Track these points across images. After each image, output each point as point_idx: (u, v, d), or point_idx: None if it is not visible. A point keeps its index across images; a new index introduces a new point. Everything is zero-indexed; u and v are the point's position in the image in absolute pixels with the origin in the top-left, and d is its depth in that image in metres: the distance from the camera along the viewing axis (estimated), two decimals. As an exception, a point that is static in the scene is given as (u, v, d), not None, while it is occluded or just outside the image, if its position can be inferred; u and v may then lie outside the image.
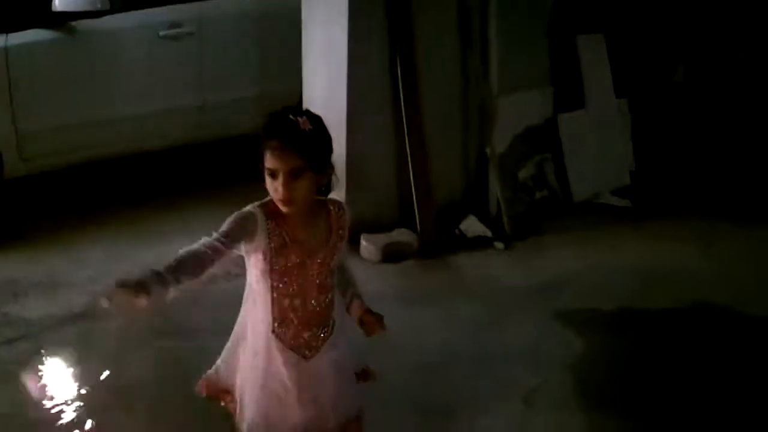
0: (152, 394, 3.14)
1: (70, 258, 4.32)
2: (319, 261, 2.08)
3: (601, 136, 5.33)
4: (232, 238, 1.98)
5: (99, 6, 4.57)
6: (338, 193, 4.24)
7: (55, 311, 3.80)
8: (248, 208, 2.06)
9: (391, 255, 4.37)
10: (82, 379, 3.25)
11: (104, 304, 1.79)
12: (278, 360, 2.09)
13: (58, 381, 3.25)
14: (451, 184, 4.83)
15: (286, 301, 2.07)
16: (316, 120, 2.04)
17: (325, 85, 4.52)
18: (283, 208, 2.00)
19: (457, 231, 4.67)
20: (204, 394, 2.27)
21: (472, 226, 4.67)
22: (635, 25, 5.55)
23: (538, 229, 4.78)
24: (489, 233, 4.64)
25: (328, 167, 2.06)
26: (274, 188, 1.98)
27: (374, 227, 4.48)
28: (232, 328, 2.25)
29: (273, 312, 2.07)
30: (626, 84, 5.50)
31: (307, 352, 2.10)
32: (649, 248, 4.50)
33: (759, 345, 3.51)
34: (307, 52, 4.62)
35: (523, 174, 5.13)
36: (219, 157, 5.39)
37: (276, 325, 2.08)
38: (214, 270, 1.95)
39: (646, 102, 5.60)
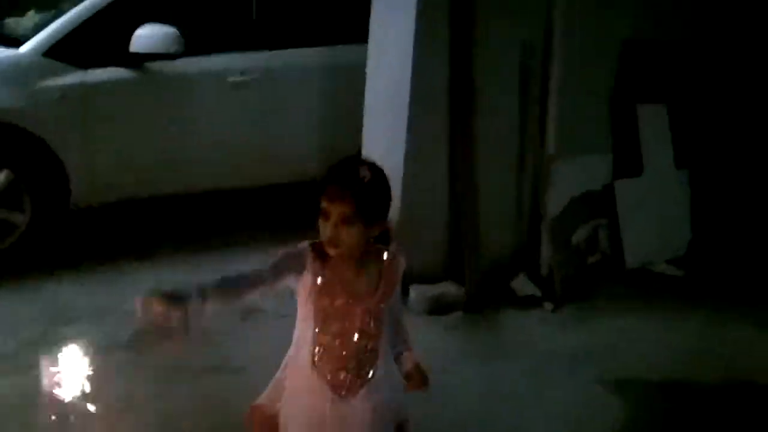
0: (195, 426, 3.18)
1: (122, 287, 4.44)
2: (364, 307, 2.11)
3: (659, 204, 5.29)
4: (278, 269, 2.05)
5: (173, 49, 4.78)
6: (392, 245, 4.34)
7: (105, 338, 3.92)
8: (301, 244, 2.12)
9: (436, 307, 4.38)
10: (124, 408, 3.33)
11: (137, 306, 1.83)
12: (315, 395, 2.11)
13: (98, 408, 3.34)
14: (503, 242, 4.83)
15: (327, 341, 2.10)
16: (378, 172, 2.09)
17: (384, 139, 4.60)
18: (329, 251, 2.05)
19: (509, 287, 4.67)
20: (249, 424, 2.28)
21: (522, 284, 4.66)
22: (699, 96, 5.53)
23: (588, 293, 4.74)
24: (539, 293, 4.62)
25: (382, 221, 2.09)
26: (324, 229, 2.04)
27: (422, 278, 4.50)
28: (277, 365, 2.29)
29: (314, 348, 2.10)
30: (689, 155, 5.46)
31: (343, 392, 2.11)
32: (701, 322, 4.41)
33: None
34: (370, 106, 4.72)
35: (576, 238, 5.10)
36: (280, 203, 5.51)
37: (315, 361, 2.10)
38: (254, 296, 2.02)
39: (708, 173, 5.54)
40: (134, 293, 4.39)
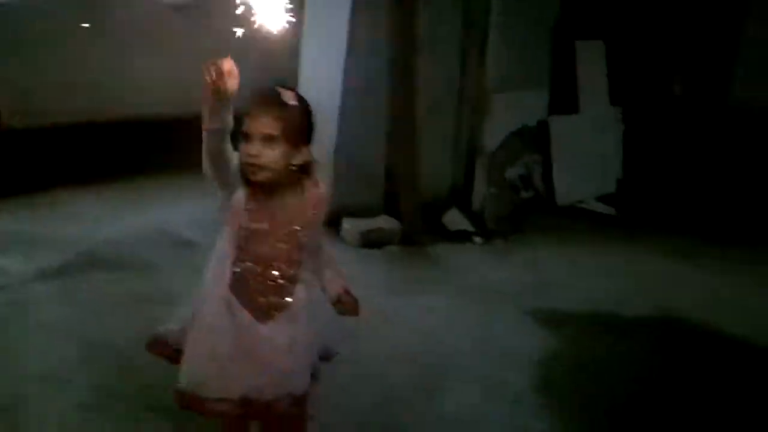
0: (122, 353, 3.18)
1: (56, 216, 4.36)
2: (287, 233, 2.12)
3: (592, 142, 5.38)
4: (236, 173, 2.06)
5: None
6: (326, 176, 4.34)
7: (36, 266, 3.86)
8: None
9: (372, 241, 4.42)
10: (52, 333, 3.30)
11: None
12: (232, 319, 2.11)
13: (28, 333, 3.30)
14: (438, 176, 4.88)
15: (249, 265, 2.10)
16: (303, 100, 2.10)
17: (322, 68, 4.55)
18: (250, 174, 2.04)
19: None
20: (152, 351, 2.25)
21: (454, 219, 4.72)
22: (636, 34, 5.59)
23: (520, 228, 4.84)
24: (471, 228, 4.69)
25: (304, 145, 2.10)
26: (247, 153, 2.03)
27: (359, 213, 4.53)
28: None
29: (234, 272, 2.10)
30: (622, 92, 5.55)
31: (261, 316, 2.12)
32: (628, 256, 4.56)
33: (730, 360, 3.55)
34: (308, 36, 4.64)
35: (511, 173, 5.17)
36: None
37: (235, 284, 2.11)
38: (223, 164, 2.03)
39: (641, 112, 5.65)
40: (66, 223, 4.39)
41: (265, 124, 2.02)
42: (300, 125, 2.08)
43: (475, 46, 4.77)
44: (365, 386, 3.10)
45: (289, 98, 2.06)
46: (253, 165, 2.03)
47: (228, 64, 1.92)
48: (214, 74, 1.91)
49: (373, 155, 4.63)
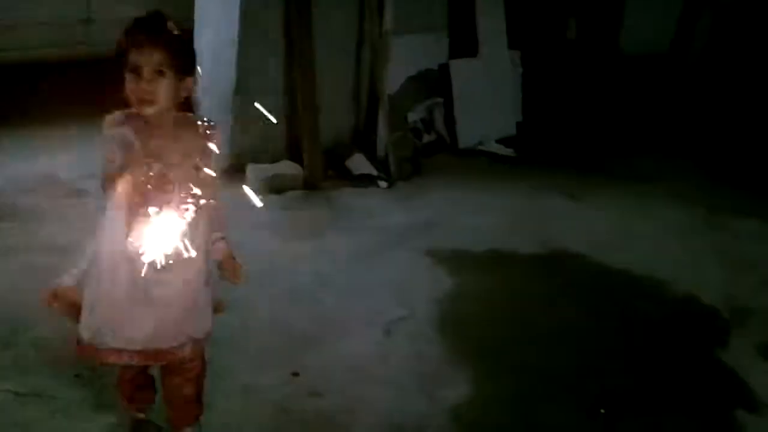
0: (11, 304, 3.10)
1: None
2: (180, 174, 2.07)
3: (492, 85, 5.46)
4: (117, 144, 2.01)
5: None
6: (226, 122, 4.28)
7: None
8: (115, 123, 2.04)
9: (275, 187, 4.40)
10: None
11: None
12: (128, 268, 2.08)
13: None
14: (340, 121, 4.88)
15: (142, 210, 2.06)
16: (184, 29, 2.08)
17: (218, 7, 4.44)
18: (144, 109, 1.99)
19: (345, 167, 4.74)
20: (48, 305, 2.22)
21: (358, 163, 4.74)
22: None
23: (422, 171, 4.90)
24: (374, 172, 4.72)
25: (191, 77, 2.06)
26: (136, 87, 1.97)
27: (261, 158, 4.49)
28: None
29: (129, 220, 2.06)
30: (521, 36, 5.63)
31: (157, 265, 2.10)
32: (524, 195, 4.69)
33: (605, 289, 3.74)
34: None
35: (412, 117, 5.22)
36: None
37: (131, 233, 2.07)
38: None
39: (538, 55, 5.75)
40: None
41: (153, 55, 1.96)
42: (186, 55, 2.04)
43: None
44: (265, 329, 3.12)
45: (173, 27, 2.00)
46: (143, 100, 1.98)
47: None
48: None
49: (275, 101, 4.57)
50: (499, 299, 3.56)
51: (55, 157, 4.44)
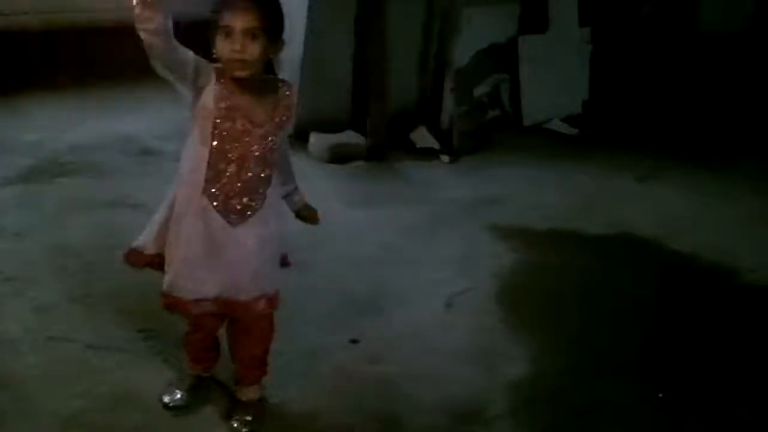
0: (86, 258, 3.18)
1: (17, 122, 4.28)
2: (261, 133, 2.11)
3: (560, 62, 5.37)
4: (196, 63, 2.04)
5: None
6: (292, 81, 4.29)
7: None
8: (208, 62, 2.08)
9: (338, 156, 4.41)
10: (14, 237, 3.29)
11: None
12: (205, 222, 2.13)
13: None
14: (406, 93, 4.85)
15: (222, 165, 2.09)
16: None
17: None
18: (236, 70, 2.02)
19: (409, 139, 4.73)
20: (129, 263, 2.29)
21: (421, 136, 4.73)
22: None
23: (485, 146, 4.86)
24: (437, 145, 4.69)
25: (280, 40, 2.09)
26: (229, 48, 2.00)
27: (325, 127, 4.50)
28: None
29: (207, 174, 2.10)
30: (592, 13, 5.51)
31: (233, 218, 2.14)
32: (590, 175, 4.61)
33: (672, 273, 3.66)
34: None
35: (478, 91, 5.16)
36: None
37: (209, 187, 2.11)
38: (174, 59, 2.01)
39: (610, 33, 5.63)
40: (27, 129, 4.32)
41: (248, 17, 1.99)
42: (277, 18, 2.07)
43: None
44: (326, 295, 3.14)
45: None
46: (237, 61, 2.01)
47: None
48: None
49: (341, 69, 4.58)
50: (561, 276, 3.52)
51: (131, 117, 4.54)
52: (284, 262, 2.37)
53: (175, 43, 2.00)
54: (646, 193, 4.47)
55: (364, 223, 3.79)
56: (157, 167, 3.96)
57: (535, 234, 3.89)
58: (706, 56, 5.64)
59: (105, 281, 3.01)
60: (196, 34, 2.11)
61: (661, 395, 2.79)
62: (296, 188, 2.36)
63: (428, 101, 4.90)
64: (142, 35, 1.96)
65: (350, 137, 4.52)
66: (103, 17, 4.94)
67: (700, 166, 4.85)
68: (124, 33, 5.22)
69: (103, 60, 5.02)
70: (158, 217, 2.23)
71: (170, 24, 1.97)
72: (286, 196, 2.33)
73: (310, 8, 4.35)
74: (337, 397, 2.59)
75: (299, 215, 2.36)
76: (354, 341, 2.89)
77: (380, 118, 4.57)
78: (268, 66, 2.14)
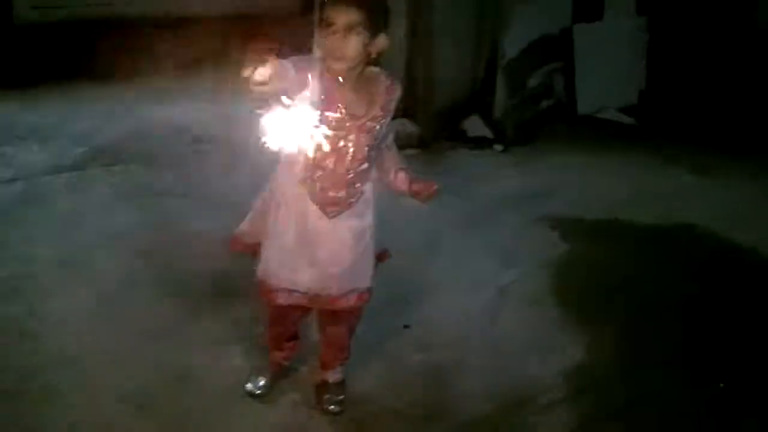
0: (140, 244, 3.25)
1: (71, 110, 4.39)
2: (360, 125, 2.11)
3: (615, 51, 5.29)
4: (299, 66, 2.00)
5: None
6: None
7: (52, 158, 3.92)
8: (307, 57, 2.11)
9: (390, 143, 4.41)
10: (70, 223, 3.37)
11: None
12: (301, 212, 2.16)
13: (44, 222, 3.37)
14: (458, 82, 4.82)
15: (320, 156, 2.10)
16: None
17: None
18: (336, 63, 2.04)
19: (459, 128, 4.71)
20: (233, 250, 2.36)
21: (474, 125, 4.70)
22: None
23: (539, 137, 4.82)
24: (490, 134, 4.67)
25: (381, 36, 2.08)
26: (330, 43, 2.02)
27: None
28: (222, 194, 2.31)
29: (306, 164, 2.12)
30: (648, 2, 5.41)
31: (329, 210, 2.16)
32: (646, 166, 4.54)
33: (732, 269, 3.58)
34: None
35: (532, 81, 5.11)
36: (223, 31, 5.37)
37: (306, 177, 2.13)
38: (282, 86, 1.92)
39: (667, 23, 5.52)
40: (82, 116, 4.42)
41: (349, 13, 2.00)
42: (379, 14, 2.08)
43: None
44: (377, 281, 3.13)
45: None
46: (334, 54, 2.03)
47: (265, 73, 1.77)
48: (253, 78, 1.79)
49: (392, 59, 4.56)
50: (612, 268, 3.47)
51: (183, 107, 4.61)
52: (382, 257, 2.37)
53: (283, 85, 1.92)
54: (702, 186, 4.38)
55: (415, 212, 3.76)
56: (208, 157, 4.02)
57: (587, 225, 3.85)
58: (764, 51, 5.49)
59: (157, 266, 3.06)
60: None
61: (722, 385, 2.74)
62: (401, 168, 2.28)
63: (481, 92, 4.87)
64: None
65: (402, 125, 4.51)
66: (152, 9, 5.02)
67: (757, 160, 4.73)
68: (172, 24, 5.33)
69: (155, 51, 5.12)
70: (257, 204, 2.27)
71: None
72: (394, 177, 2.26)
73: None
74: (386, 382, 2.61)
75: (412, 190, 2.26)
76: (407, 326, 2.91)
77: (431, 107, 4.56)
78: (377, 60, 2.13)
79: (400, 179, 2.26)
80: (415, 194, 2.25)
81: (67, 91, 4.59)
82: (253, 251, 2.29)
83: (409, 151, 4.42)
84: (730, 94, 5.40)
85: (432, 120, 4.55)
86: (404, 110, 4.60)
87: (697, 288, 3.36)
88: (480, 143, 4.61)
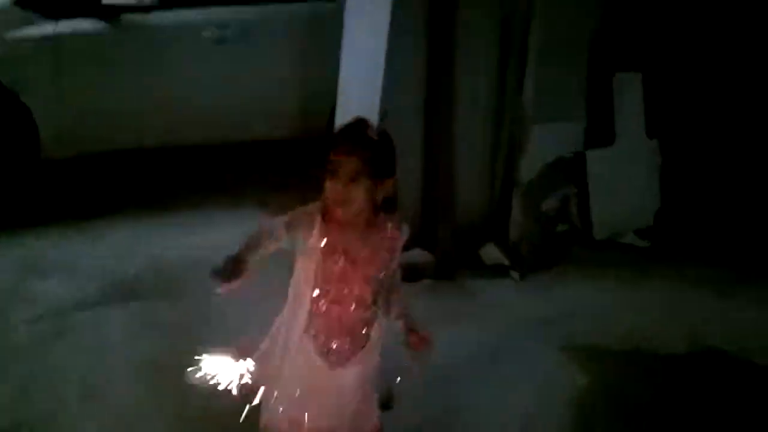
0: (162, 377, 3.21)
1: (94, 245, 4.44)
2: (364, 274, 2.12)
3: (629, 175, 5.33)
4: (289, 226, 2.07)
5: (147, 1, 4.71)
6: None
7: (76, 293, 3.93)
8: (309, 207, 2.14)
9: (406, 274, 4.38)
10: (92, 357, 3.37)
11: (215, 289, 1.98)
12: (305, 360, 2.14)
13: (69, 357, 3.36)
14: (474, 207, 4.85)
15: (324, 306, 2.11)
16: (385, 135, 2.16)
17: (359, 91, 4.57)
18: (337, 211, 2.05)
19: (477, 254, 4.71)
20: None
21: (490, 253, 4.71)
22: (675, 66, 5.55)
23: (556, 262, 4.80)
24: (507, 262, 4.66)
25: (388, 182, 2.11)
26: (332, 189, 2.04)
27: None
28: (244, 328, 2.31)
29: (309, 314, 2.11)
30: (660, 124, 5.50)
31: (333, 360, 2.14)
32: (665, 291, 4.49)
33: (759, 397, 3.49)
34: (345, 58, 4.65)
35: (546, 205, 5.14)
36: (242, 160, 5.48)
37: (309, 326, 2.12)
38: (266, 252, 2.06)
39: (679, 146, 5.59)
40: (103, 250, 4.46)
41: (351, 164, 2.03)
42: (383, 160, 2.10)
43: (512, 74, 4.77)
44: (390, 420, 3.06)
45: (374, 133, 2.10)
46: (337, 201, 2.05)
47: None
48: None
49: (409, 187, 4.62)
50: (637, 400, 3.38)
51: (204, 236, 4.64)
52: (388, 401, 2.34)
53: (265, 246, 2.07)
54: (728, 310, 4.31)
55: (434, 343, 3.73)
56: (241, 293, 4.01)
57: (608, 354, 3.77)
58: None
59: (181, 400, 3.01)
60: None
61: None
62: (402, 314, 2.30)
63: (496, 216, 4.90)
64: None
65: (418, 255, 4.53)
66: (170, 138, 5.13)
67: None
68: (191, 152, 5.45)
69: (173, 179, 5.23)
70: (262, 346, 2.25)
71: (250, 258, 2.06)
72: (394, 320, 2.28)
73: (377, 127, 4.44)
74: None
75: (407, 345, 2.28)
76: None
77: (448, 235, 4.58)
78: (387, 204, 2.15)
79: (399, 326, 2.26)
80: (409, 344, 2.24)
81: (88, 225, 4.65)
82: (253, 392, 2.22)
83: (426, 281, 4.42)
84: (746, 211, 5.41)
85: (448, 249, 4.56)
86: (420, 239, 4.63)
87: (725, 417, 3.26)
88: (497, 271, 4.60)
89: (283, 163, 5.28)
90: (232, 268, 2.06)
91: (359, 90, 4.56)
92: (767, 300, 4.42)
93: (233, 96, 5.17)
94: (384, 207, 2.13)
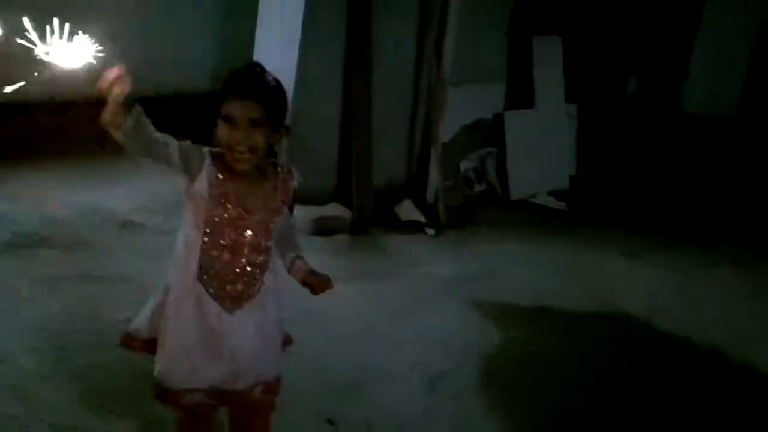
0: (59, 335, 3.09)
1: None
2: (257, 219, 2.06)
3: (546, 137, 5.40)
4: (184, 153, 1.97)
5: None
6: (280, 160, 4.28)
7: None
8: (205, 148, 2.03)
9: (322, 228, 4.37)
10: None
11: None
12: (200, 309, 2.06)
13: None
14: (393, 166, 4.84)
15: (216, 252, 2.03)
16: (277, 80, 2.06)
17: (276, 50, 4.48)
18: (236, 160, 1.98)
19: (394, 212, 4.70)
20: (125, 347, 2.21)
21: (407, 209, 4.70)
22: (593, 32, 5.62)
23: (472, 220, 4.83)
24: (422, 219, 4.66)
25: (282, 128, 2.05)
26: (230, 137, 1.96)
27: (310, 200, 4.47)
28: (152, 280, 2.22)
29: (201, 260, 2.04)
30: (578, 90, 5.57)
31: (229, 305, 2.08)
32: (578, 251, 4.58)
33: (663, 353, 3.60)
34: (262, 19, 4.58)
35: (465, 165, 5.17)
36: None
37: (203, 273, 2.05)
38: (156, 159, 1.94)
39: (595, 110, 5.69)
40: (7, 201, 4.26)
41: (251, 108, 1.95)
42: (281, 107, 2.03)
43: (432, 39, 4.74)
44: (304, 372, 3.04)
45: (270, 79, 2.00)
46: (239, 151, 1.96)
47: (114, 72, 1.82)
48: (105, 83, 1.81)
49: (327, 142, 4.57)
50: (544, 356, 3.44)
51: (110, 191, 4.49)
52: (286, 343, 2.28)
53: (153, 138, 1.93)
54: (633, 271, 4.43)
55: (346, 299, 3.70)
56: (135, 242, 3.90)
57: (519, 311, 3.82)
58: (691, 137, 5.69)
59: (75, 360, 2.91)
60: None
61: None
62: (298, 256, 2.19)
63: (414, 175, 4.89)
64: (121, 137, 1.88)
65: (335, 210, 4.49)
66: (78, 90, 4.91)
67: (686, 244, 4.84)
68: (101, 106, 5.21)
69: (80, 133, 5.01)
70: (152, 300, 2.15)
71: (144, 121, 1.90)
72: (291, 265, 2.18)
73: (297, 83, 4.37)
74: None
75: (306, 283, 2.16)
76: (331, 422, 2.80)
77: (365, 192, 4.55)
78: (271, 151, 2.08)
79: (296, 269, 2.16)
80: (308, 285, 2.15)
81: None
82: (148, 350, 2.16)
83: (342, 236, 4.39)
84: (658, 178, 5.56)
85: (365, 204, 4.53)
86: (337, 194, 4.59)
87: (628, 375, 3.35)
88: (413, 228, 4.60)
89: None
90: (126, 109, 1.86)
91: (275, 54, 4.46)
92: (674, 263, 4.55)
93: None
94: (268, 153, 2.08)
